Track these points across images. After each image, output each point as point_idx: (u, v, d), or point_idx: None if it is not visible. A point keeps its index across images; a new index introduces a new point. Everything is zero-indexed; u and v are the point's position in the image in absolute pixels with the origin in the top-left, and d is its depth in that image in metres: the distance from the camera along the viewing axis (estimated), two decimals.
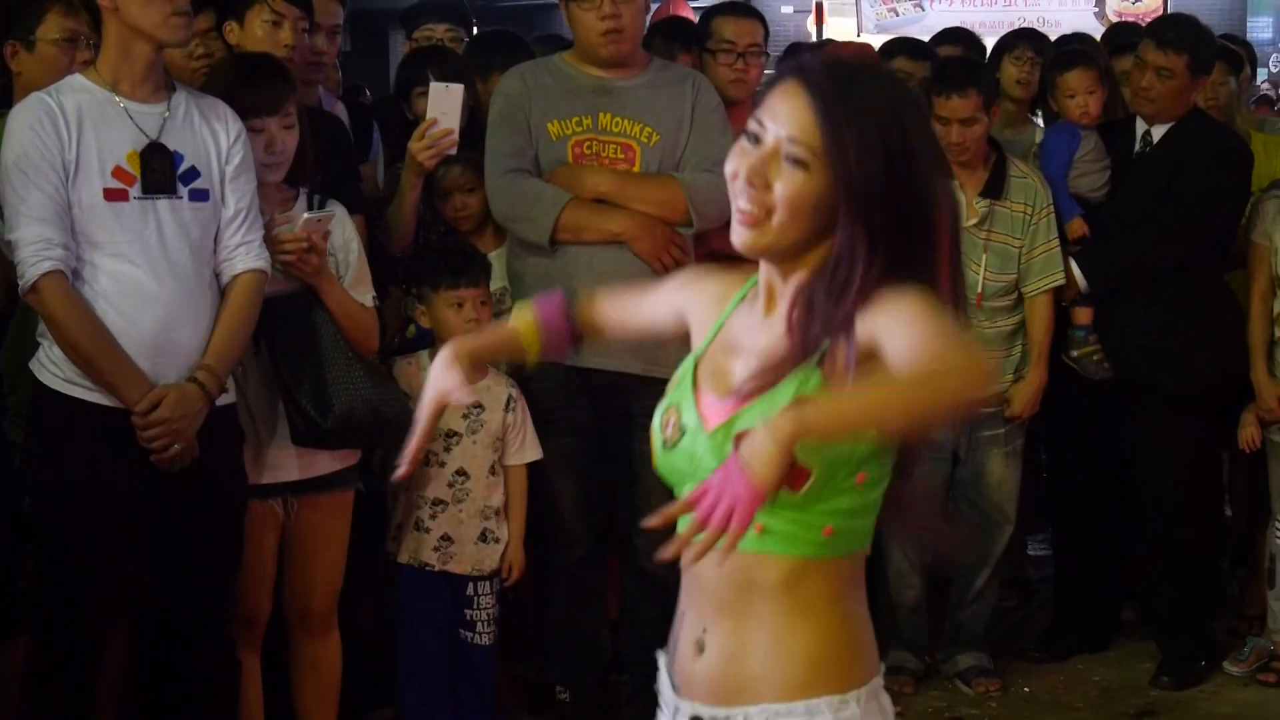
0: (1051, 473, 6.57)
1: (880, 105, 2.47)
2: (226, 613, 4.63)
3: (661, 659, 2.73)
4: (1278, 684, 6.10)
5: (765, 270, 2.58)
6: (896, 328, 2.34)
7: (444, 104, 5.16)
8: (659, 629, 5.59)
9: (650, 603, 5.37)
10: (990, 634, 6.21)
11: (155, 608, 4.50)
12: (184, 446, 4.30)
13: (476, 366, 3.11)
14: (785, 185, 2.45)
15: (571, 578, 5.48)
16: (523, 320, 2.91)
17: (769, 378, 2.46)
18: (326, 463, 4.80)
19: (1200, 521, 6.29)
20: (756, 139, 2.49)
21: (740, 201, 2.49)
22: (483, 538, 5.24)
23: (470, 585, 5.23)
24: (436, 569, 5.19)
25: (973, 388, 2.26)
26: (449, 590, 5.22)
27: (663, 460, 2.61)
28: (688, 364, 2.66)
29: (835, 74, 2.48)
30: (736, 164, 2.50)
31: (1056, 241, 5.95)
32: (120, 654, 4.64)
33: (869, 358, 2.38)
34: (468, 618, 5.24)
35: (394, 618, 5.28)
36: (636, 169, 5.31)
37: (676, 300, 2.83)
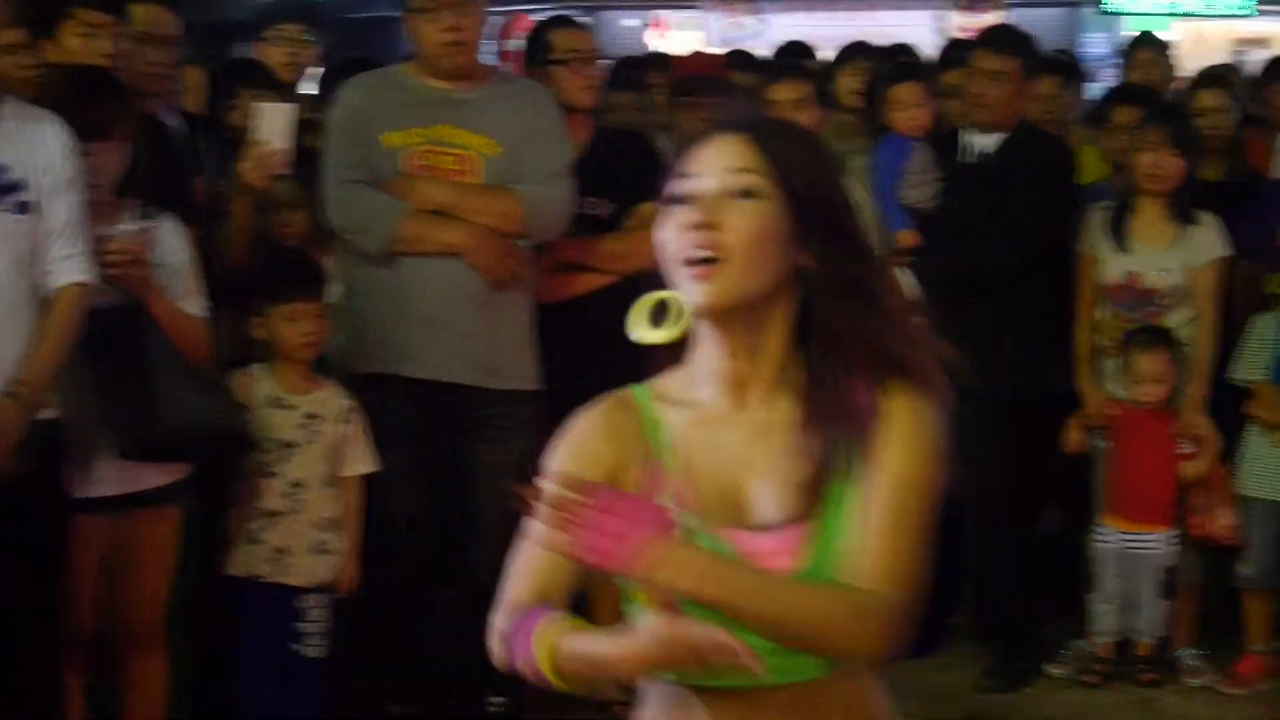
0: None
1: (806, 138, 2.47)
2: (46, 630, 4.55)
3: None
4: (1101, 685, 6.20)
5: (724, 357, 2.36)
6: (881, 483, 2.30)
7: (273, 124, 5.14)
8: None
9: (484, 617, 5.35)
10: None
11: None
12: (2, 462, 4.24)
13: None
14: (740, 218, 2.30)
15: (407, 590, 5.46)
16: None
17: (815, 495, 2.30)
18: (153, 477, 4.75)
19: (1024, 526, 6.38)
20: (688, 198, 2.33)
21: (689, 254, 2.30)
22: (317, 549, 5.20)
23: (302, 598, 5.19)
24: (270, 580, 5.15)
25: (854, 646, 2.26)
26: (282, 603, 5.17)
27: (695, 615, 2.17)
28: (686, 519, 2.31)
29: (756, 117, 2.51)
30: (673, 224, 2.34)
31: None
32: None
33: None
34: (300, 630, 5.20)
35: (230, 632, 5.23)
36: (476, 181, 5.30)
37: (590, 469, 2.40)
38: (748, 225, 2.29)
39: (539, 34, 6.18)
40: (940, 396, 2.40)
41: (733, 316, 2.33)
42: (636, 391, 2.45)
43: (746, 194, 2.31)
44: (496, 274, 5.21)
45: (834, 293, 2.34)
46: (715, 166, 2.33)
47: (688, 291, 2.31)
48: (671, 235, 2.34)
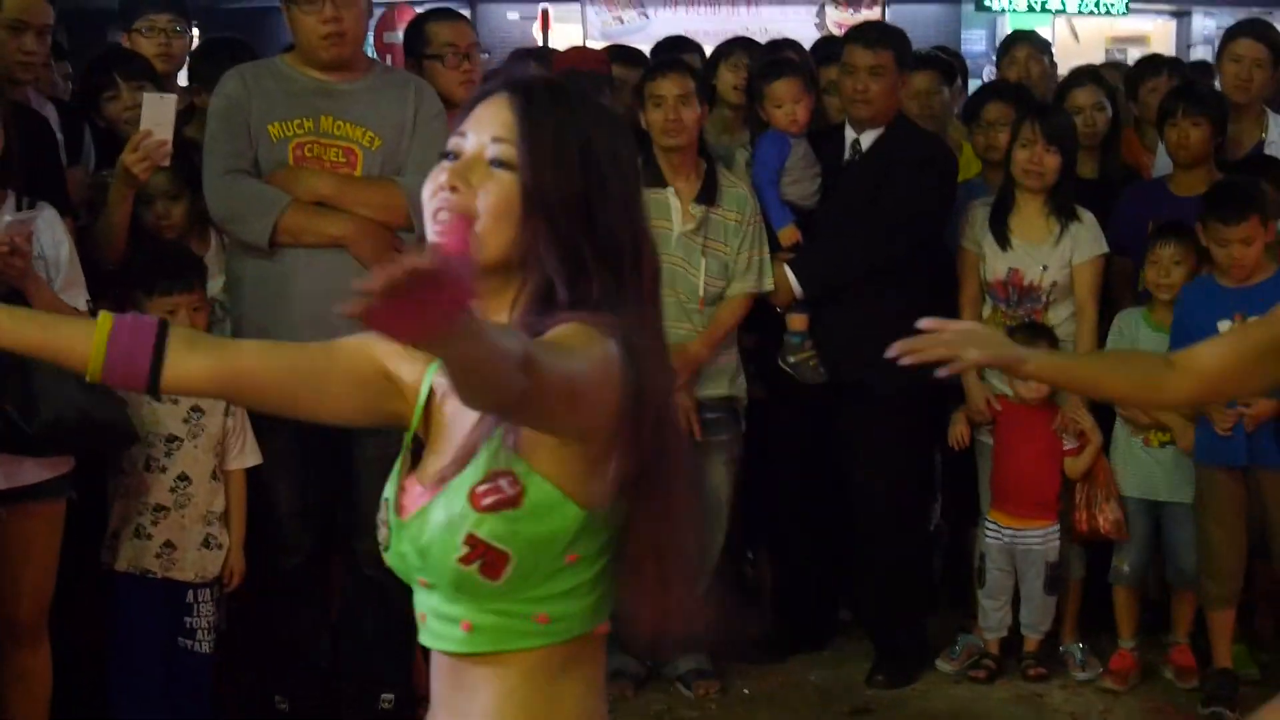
0: (770, 477, 6.63)
1: (586, 116, 2.39)
2: None
3: None
4: (988, 680, 6.24)
5: None
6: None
7: (158, 115, 5.07)
8: (379, 635, 5.60)
9: (371, 608, 5.34)
10: (710, 637, 6.25)
11: None
12: None
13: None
14: (489, 187, 2.32)
15: (290, 583, 5.43)
16: (97, 332, 2.49)
17: (463, 457, 2.30)
18: (34, 470, 4.69)
19: (910, 521, 6.42)
20: (455, 154, 2.37)
21: (440, 213, 2.33)
22: (205, 544, 5.16)
23: (190, 592, 5.15)
24: (159, 576, 5.09)
25: (506, 387, 2.00)
26: (166, 598, 5.13)
27: (388, 561, 2.43)
28: (404, 450, 2.47)
29: (543, 85, 2.42)
30: (434, 180, 2.37)
31: (765, 249, 6.06)
32: None
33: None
34: (188, 625, 5.16)
35: (107, 627, 5.17)
36: (358, 173, 5.27)
37: (371, 352, 2.54)
38: (495, 196, 2.32)
39: (417, 26, 6.15)
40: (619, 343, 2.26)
41: None
42: None
43: (499, 163, 2.33)
44: (379, 266, 5.16)
45: (549, 284, 2.32)
46: (481, 129, 2.36)
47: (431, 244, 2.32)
48: (429, 188, 2.37)
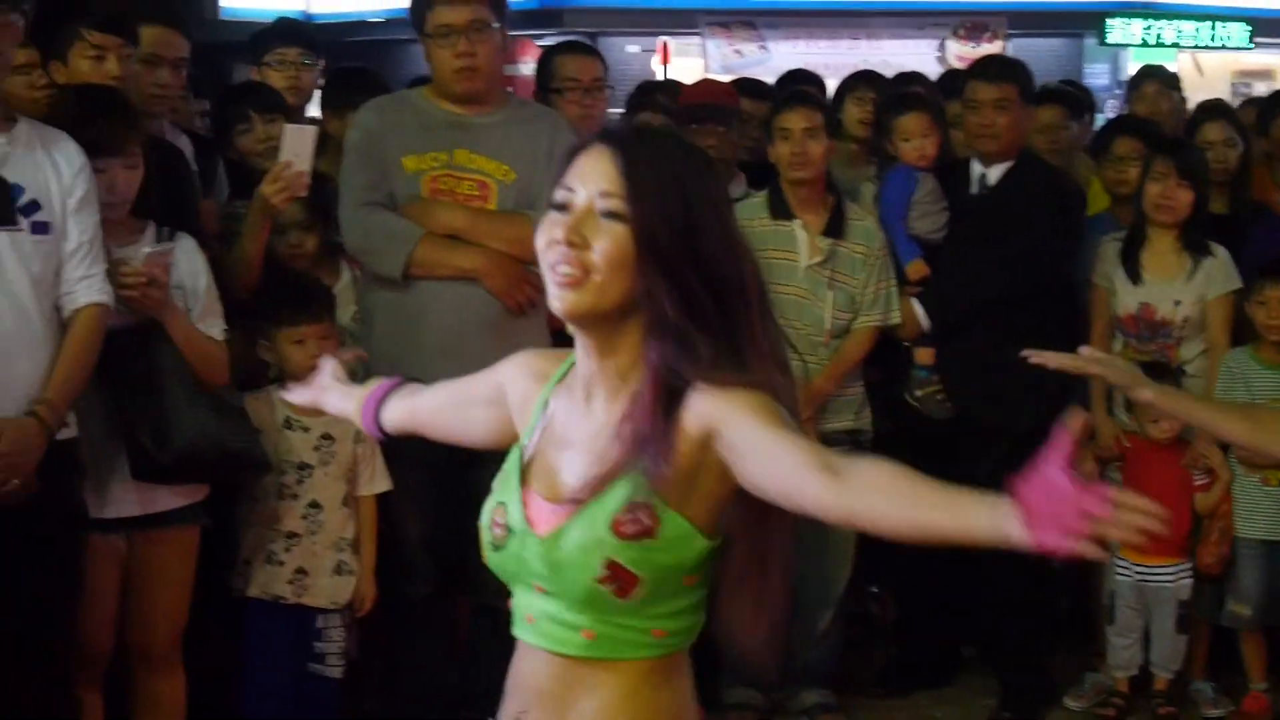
0: None
1: (680, 161, 2.54)
2: (62, 648, 4.55)
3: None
4: (1117, 718, 6.19)
5: (582, 355, 2.58)
6: (757, 435, 2.37)
7: (297, 146, 5.13)
8: (503, 662, 5.60)
9: (496, 640, 5.34)
10: (834, 671, 6.24)
11: None
12: (22, 480, 4.24)
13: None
14: (603, 240, 2.46)
15: (419, 613, 5.46)
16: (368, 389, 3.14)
17: (598, 485, 2.48)
18: (168, 498, 4.75)
19: (1034, 557, 6.34)
20: (565, 206, 2.51)
21: (560, 266, 2.48)
22: (337, 570, 5.20)
23: (320, 618, 5.19)
24: (291, 602, 5.14)
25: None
26: (297, 623, 5.17)
27: (492, 558, 2.63)
28: (514, 459, 2.66)
29: (637, 134, 2.64)
30: (549, 233, 2.51)
31: (892, 282, 6.03)
32: None
33: (707, 444, 2.43)
34: (317, 650, 5.20)
35: (238, 653, 5.21)
36: (492, 206, 5.28)
37: (497, 376, 2.84)
38: (609, 247, 2.46)
39: (547, 58, 6.18)
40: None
41: (588, 324, 2.53)
42: (565, 361, 2.68)
43: (611, 215, 2.47)
44: (511, 299, 5.21)
45: (669, 318, 2.47)
46: (588, 182, 2.50)
47: (552, 298, 2.51)
48: (544, 243, 2.52)
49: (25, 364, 4.30)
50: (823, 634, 6.09)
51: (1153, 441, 6.09)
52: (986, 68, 6.40)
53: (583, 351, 2.58)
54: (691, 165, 2.55)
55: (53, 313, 4.39)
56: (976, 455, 6.11)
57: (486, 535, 2.63)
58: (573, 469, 2.54)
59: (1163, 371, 5.99)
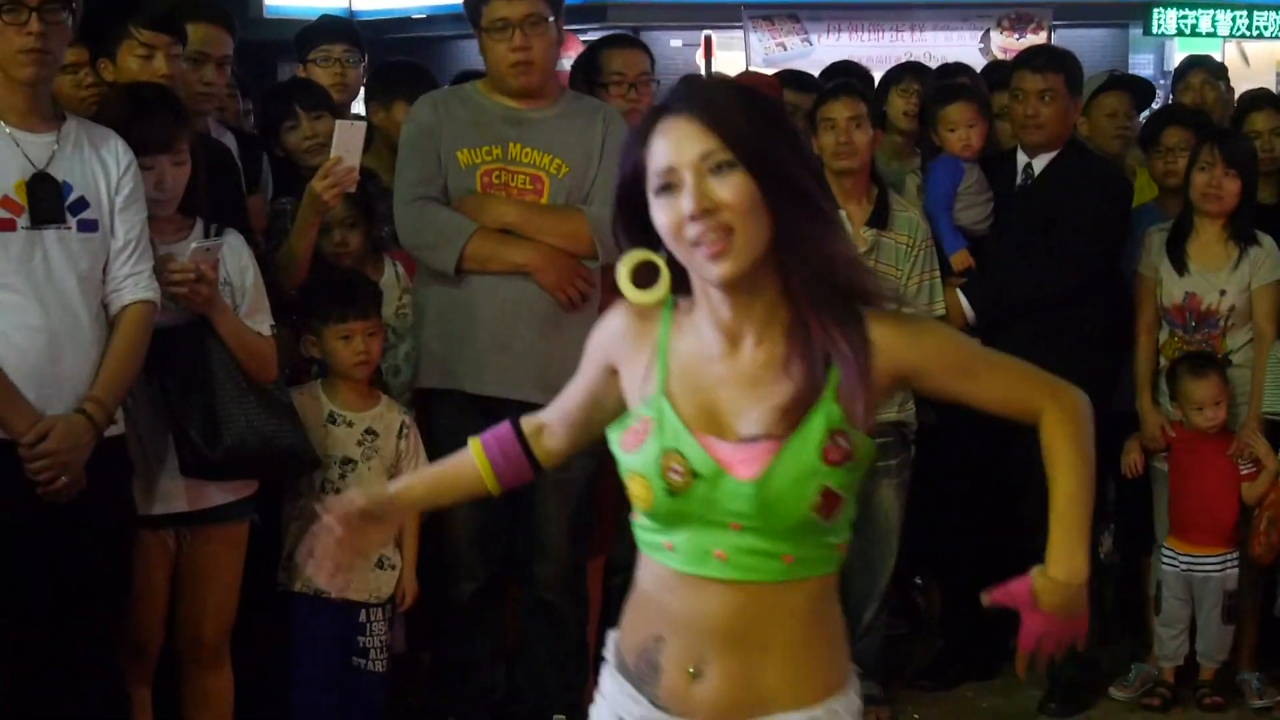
0: (938, 503, 6.59)
1: (743, 94, 2.63)
2: (113, 645, 4.58)
3: (618, 680, 2.81)
4: (1163, 708, 6.17)
5: (717, 305, 2.64)
6: (959, 365, 2.73)
7: (348, 141, 5.13)
8: (553, 658, 5.61)
9: (546, 636, 5.37)
10: (880, 663, 6.24)
11: (39, 639, 4.41)
12: (72, 478, 4.27)
13: (387, 520, 3.12)
14: (728, 193, 2.52)
15: (467, 609, 5.46)
16: (478, 460, 3.03)
17: (797, 414, 2.58)
18: (218, 494, 4.77)
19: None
20: (671, 186, 2.56)
21: (705, 239, 2.54)
22: (379, 564, 5.21)
23: (363, 612, 5.20)
24: (334, 596, 5.15)
25: (1088, 407, 2.80)
26: (342, 618, 5.18)
27: (665, 504, 2.64)
28: (659, 401, 2.68)
29: (693, 91, 2.64)
30: (673, 214, 2.56)
31: (936, 273, 6.03)
32: (3, 685, 4.56)
33: (895, 385, 2.70)
34: (360, 645, 5.20)
35: (285, 648, 5.23)
36: (545, 200, 5.29)
37: (598, 359, 2.88)
38: (737, 199, 2.53)
39: (593, 52, 6.18)
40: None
41: (748, 279, 2.59)
42: (665, 308, 2.73)
43: (724, 167, 2.54)
44: (564, 293, 5.21)
45: (802, 247, 2.58)
46: (684, 151, 2.55)
47: (706, 271, 2.57)
48: (673, 223, 2.57)
49: (73, 362, 4.33)
50: (868, 626, 6.09)
51: (1199, 431, 6.07)
52: (1033, 58, 6.37)
53: (718, 302, 2.63)
54: (752, 96, 2.64)
55: (100, 310, 4.42)
56: (1020, 446, 6.12)
57: (658, 482, 2.63)
58: (748, 408, 2.62)
59: (1206, 360, 5.98)
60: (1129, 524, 6.69)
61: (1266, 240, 6.12)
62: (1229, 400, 6.06)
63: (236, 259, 4.80)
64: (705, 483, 2.60)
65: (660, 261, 2.68)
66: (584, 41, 6.61)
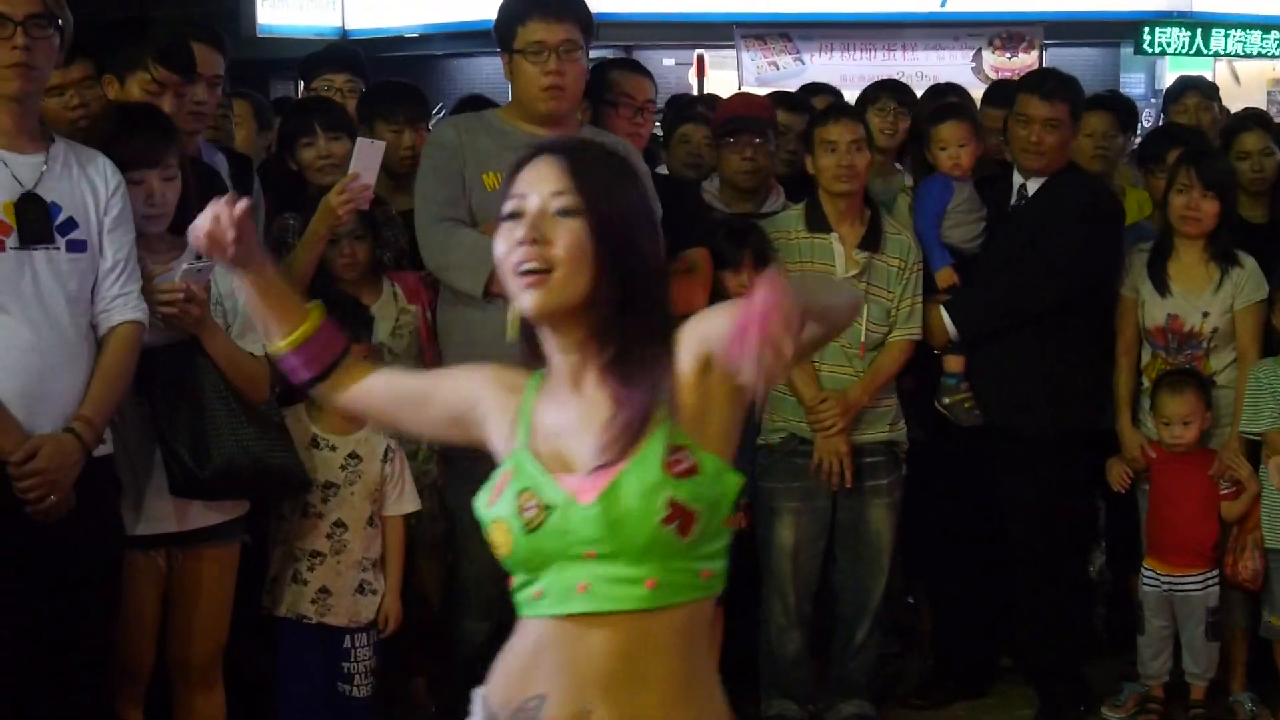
0: (929, 521, 6.58)
1: (610, 160, 2.81)
2: (103, 666, 4.57)
3: None
4: None
5: (559, 352, 2.77)
6: (719, 322, 2.60)
7: (366, 159, 5.19)
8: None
9: None
10: (872, 682, 6.24)
11: (27, 660, 4.38)
12: (60, 497, 4.27)
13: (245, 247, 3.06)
14: (563, 235, 2.67)
15: (480, 651, 5.37)
16: (311, 317, 3.09)
17: (628, 438, 2.66)
18: (207, 515, 4.77)
19: (1068, 567, 6.35)
20: (518, 214, 2.71)
21: (524, 264, 2.68)
22: (360, 589, 5.21)
23: (347, 637, 5.20)
24: (314, 621, 5.15)
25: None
26: (326, 643, 5.18)
27: (524, 544, 2.68)
28: (519, 456, 2.76)
29: (569, 142, 2.84)
30: (508, 238, 2.71)
31: (920, 297, 6.03)
32: None
33: (706, 370, 2.67)
34: (345, 670, 5.21)
35: (274, 670, 5.23)
36: None
37: (467, 387, 2.95)
38: (570, 241, 2.68)
39: (601, 71, 6.17)
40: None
41: (558, 320, 2.73)
42: (533, 377, 2.84)
43: (565, 212, 2.69)
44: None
45: (624, 305, 2.70)
46: (538, 187, 2.71)
47: (521, 299, 2.71)
48: (505, 248, 2.72)
49: (62, 381, 4.33)
50: (860, 645, 6.09)
51: (1175, 451, 6.07)
52: (1042, 83, 6.28)
53: (560, 348, 2.76)
54: (618, 163, 2.81)
55: (89, 330, 4.42)
56: (1006, 463, 6.13)
57: (516, 522, 2.68)
58: (592, 442, 2.69)
59: (1186, 376, 5.99)
60: (1119, 543, 6.70)
61: (1249, 261, 6.11)
62: (1214, 421, 6.07)
63: (229, 279, 4.79)
64: (558, 512, 2.66)
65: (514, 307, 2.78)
66: (605, 60, 6.65)
